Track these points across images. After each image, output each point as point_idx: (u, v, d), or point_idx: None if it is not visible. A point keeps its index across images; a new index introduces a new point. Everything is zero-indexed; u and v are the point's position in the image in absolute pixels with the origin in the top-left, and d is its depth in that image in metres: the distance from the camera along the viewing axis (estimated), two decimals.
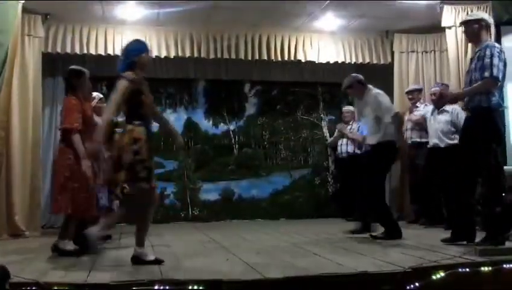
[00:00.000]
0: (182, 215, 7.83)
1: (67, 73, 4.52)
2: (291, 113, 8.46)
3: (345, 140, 7.68)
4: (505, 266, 3.41)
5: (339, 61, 7.72)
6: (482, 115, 4.24)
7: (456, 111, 5.89)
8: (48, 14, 6.60)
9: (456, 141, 5.43)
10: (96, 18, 6.83)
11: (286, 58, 7.56)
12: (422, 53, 7.58)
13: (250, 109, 8.35)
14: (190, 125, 8.10)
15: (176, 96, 8.10)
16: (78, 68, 4.56)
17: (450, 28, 6.57)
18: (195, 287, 3.01)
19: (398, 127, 5.23)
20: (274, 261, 3.82)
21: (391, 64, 7.64)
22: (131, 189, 3.64)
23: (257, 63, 7.76)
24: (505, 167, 4.70)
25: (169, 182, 7.82)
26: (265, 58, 7.52)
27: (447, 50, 6.82)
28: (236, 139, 8.25)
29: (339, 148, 7.83)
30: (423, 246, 4.43)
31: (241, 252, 4.23)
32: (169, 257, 3.98)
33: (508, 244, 4.07)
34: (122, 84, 3.79)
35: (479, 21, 4.45)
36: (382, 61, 7.75)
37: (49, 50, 6.78)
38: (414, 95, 6.82)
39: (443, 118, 6.09)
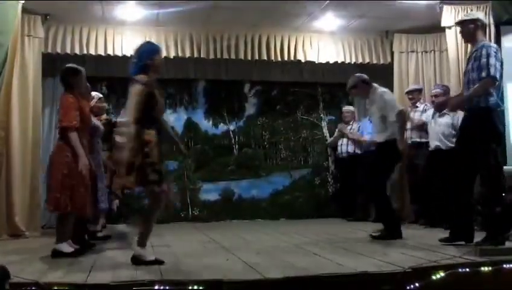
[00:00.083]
0: (182, 215, 7.82)
1: (64, 71, 4.51)
2: (291, 114, 8.45)
3: (345, 140, 7.69)
4: (505, 266, 3.41)
5: (339, 62, 7.73)
6: (480, 115, 4.24)
7: (457, 114, 5.89)
8: (47, 14, 6.60)
9: None
10: (96, 18, 6.83)
11: (286, 58, 7.57)
12: (422, 53, 7.58)
13: (250, 109, 8.34)
14: (190, 126, 8.10)
15: (175, 97, 8.09)
16: (74, 66, 4.56)
17: (449, 28, 6.57)
18: (196, 288, 3.01)
19: (402, 125, 5.22)
20: (274, 261, 3.82)
21: (391, 65, 7.64)
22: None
23: (257, 63, 7.76)
24: (504, 167, 4.70)
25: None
26: (265, 58, 7.52)
27: (446, 50, 6.82)
28: (236, 140, 8.24)
29: (339, 148, 7.84)
30: (423, 246, 4.43)
31: (241, 252, 4.23)
32: (170, 257, 3.98)
33: (508, 244, 4.07)
34: (138, 89, 3.72)
35: (475, 21, 4.45)
36: (382, 61, 7.75)
37: (49, 50, 6.78)
38: (414, 95, 6.82)
39: (444, 120, 6.10)
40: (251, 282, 3.13)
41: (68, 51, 6.86)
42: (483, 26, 4.52)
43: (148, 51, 3.96)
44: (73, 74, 4.47)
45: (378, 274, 3.26)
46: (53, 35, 6.82)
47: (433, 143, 6.19)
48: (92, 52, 6.97)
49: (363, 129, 7.55)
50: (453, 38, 6.55)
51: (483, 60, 4.22)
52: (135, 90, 3.71)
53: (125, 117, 3.73)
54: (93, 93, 5.42)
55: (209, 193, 8.01)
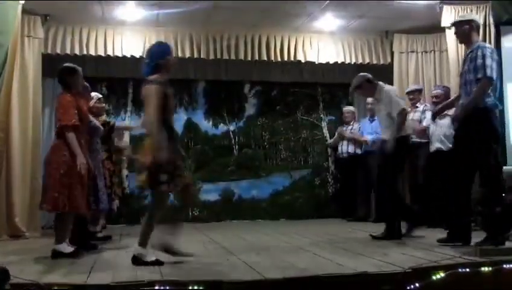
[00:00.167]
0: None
1: (61, 71, 4.49)
2: (291, 114, 8.45)
3: (345, 141, 7.68)
4: (505, 266, 3.41)
5: (339, 62, 7.73)
6: (478, 115, 4.24)
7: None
8: (47, 15, 6.60)
9: None
10: (96, 19, 6.84)
11: (286, 58, 7.57)
12: (422, 53, 7.57)
13: (250, 109, 8.34)
14: (190, 126, 8.09)
15: (175, 97, 8.03)
16: (71, 66, 4.54)
17: (449, 28, 6.57)
18: (196, 288, 3.01)
19: (399, 124, 5.22)
20: (274, 262, 3.82)
21: (391, 65, 7.64)
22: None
23: (257, 63, 7.76)
24: (504, 167, 4.71)
25: None
26: (265, 58, 7.52)
27: (446, 50, 6.82)
28: (236, 140, 8.24)
29: (339, 148, 7.85)
30: (423, 246, 4.43)
31: (241, 253, 4.23)
32: (170, 258, 3.97)
33: (508, 244, 4.07)
34: (155, 89, 3.76)
35: (470, 22, 4.47)
36: (382, 62, 7.75)
37: (49, 51, 6.78)
38: (415, 95, 6.81)
39: (445, 122, 6.10)
40: (251, 282, 3.13)
41: (68, 51, 6.86)
42: (478, 28, 4.55)
43: (159, 51, 3.99)
44: (70, 74, 4.45)
45: (378, 274, 3.26)
46: (53, 35, 6.82)
47: (435, 145, 6.18)
48: (92, 52, 6.97)
49: (363, 129, 7.55)
50: (453, 39, 6.51)
51: (479, 60, 4.22)
52: (152, 90, 3.75)
53: (146, 117, 3.76)
54: (93, 94, 5.42)
55: (209, 193, 8.01)
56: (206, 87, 8.15)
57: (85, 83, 5.00)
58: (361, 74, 5.50)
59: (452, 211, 4.51)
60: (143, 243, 3.81)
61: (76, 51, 6.90)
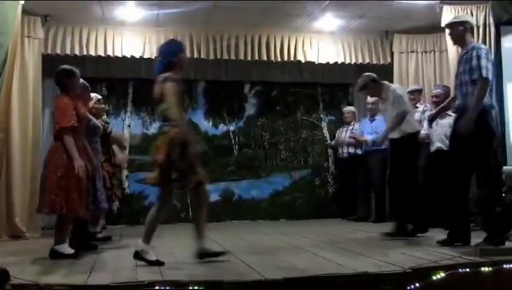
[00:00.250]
0: (182, 216, 7.81)
1: (58, 73, 4.46)
2: (291, 114, 8.45)
3: (345, 140, 7.67)
4: (505, 266, 3.41)
5: (339, 62, 7.73)
6: (477, 115, 4.24)
7: None
8: (47, 15, 6.60)
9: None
10: (96, 19, 6.84)
11: (286, 58, 7.57)
12: (422, 53, 7.58)
13: (250, 109, 8.34)
14: (190, 126, 8.08)
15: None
16: (68, 68, 4.49)
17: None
18: (196, 288, 3.01)
19: (395, 125, 5.22)
20: (274, 262, 3.82)
21: (391, 65, 7.64)
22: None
23: (257, 63, 7.76)
24: (504, 167, 4.71)
25: None
26: (265, 58, 7.53)
27: (446, 50, 6.82)
28: (236, 140, 8.24)
29: (339, 148, 7.84)
30: (423, 246, 4.43)
31: (241, 253, 4.23)
32: (170, 258, 3.98)
33: (508, 244, 4.07)
34: (171, 86, 3.77)
35: (464, 23, 4.49)
36: (382, 62, 7.75)
37: (49, 51, 6.78)
38: (415, 96, 6.79)
39: (446, 121, 6.09)
40: (251, 283, 3.13)
41: (68, 51, 6.86)
42: (472, 29, 4.58)
43: (172, 49, 4.00)
44: (68, 76, 4.41)
45: (378, 274, 3.26)
46: (53, 36, 6.83)
47: (435, 145, 6.18)
48: (92, 53, 6.97)
49: (363, 129, 7.55)
50: None
51: (474, 62, 4.23)
52: (169, 88, 3.75)
53: (165, 106, 3.76)
54: (92, 95, 5.41)
55: (209, 193, 7.99)
56: (206, 88, 8.15)
57: (85, 83, 4.99)
58: (366, 74, 5.47)
59: (452, 211, 4.51)
60: (146, 240, 3.80)
61: (76, 52, 6.91)
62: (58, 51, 6.84)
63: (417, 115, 6.61)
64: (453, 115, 5.94)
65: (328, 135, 8.45)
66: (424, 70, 7.55)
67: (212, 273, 3.38)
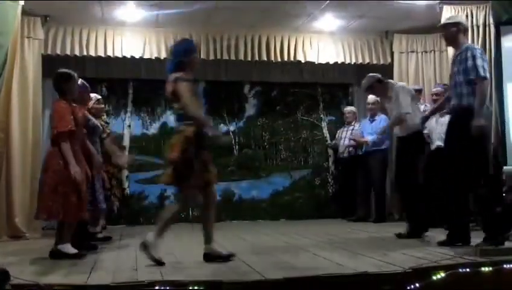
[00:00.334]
0: (182, 216, 7.79)
1: (56, 77, 4.42)
2: (291, 114, 8.45)
3: (346, 140, 7.68)
4: (505, 266, 3.40)
5: (339, 62, 7.73)
6: (468, 116, 4.24)
7: None
8: (47, 16, 6.60)
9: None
10: (96, 20, 6.84)
11: (286, 58, 7.57)
12: (422, 53, 7.58)
13: (250, 109, 8.34)
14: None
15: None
16: (66, 72, 4.44)
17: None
18: (196, 288, 3.01)
19: (391, 125, 5.20)
20: (274, 262, 3.82)
21: (391, 65, 7.64)
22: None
23: (257, 63, 7.76)
24: (504, 167, 4.71)
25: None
26: (265, 59, 7.53)
27: (446, 50, 6.82)
28: (236, 140, 8.24)
29: (340, 148, 7.84)
30: (423, 246, 4.42)
31: (241, 253, 4.23)
32: (170, 258, 3.98)
33: (508, 244, 4.07)
34: (186, 86, 3.80)
35: (457, 24, 4.50)
36: (382, 62, 7.75)
37: (49, 52, 6.79)
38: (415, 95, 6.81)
39: (445, 120, 6.06)
40: (251, 283, 3.13)
41: (68, 52, 6.87)
42: (465, 30, 4.58)
43: (184, 49, 4.00)
44: (65, 80, 4.37)
45: (378, 274, 3.26)
46: (53, 36, 6.83)
47: (435, 143, 6.18)
48: (92, 53, 6.97)
49: (363, 129, 7.55)
50: None
51: (470, 62, 4.24)
52: (183, 88, 3.77)
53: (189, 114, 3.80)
54: (92, 95, 5.40)
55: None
56: (206, 88, 8.14)
57: (85, 83, 4.98)
58: (371, 74, 5.45)
59: (452, 211, 4.51)
60: (158, 235, 3.79)
61: (76, 52, 6.91)
62: (58, 52, 6.84)
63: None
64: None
65: (328, 135, 8.44)
66: (424, 70, 7.55)
67: (212, 274, 3.38)
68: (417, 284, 3.13)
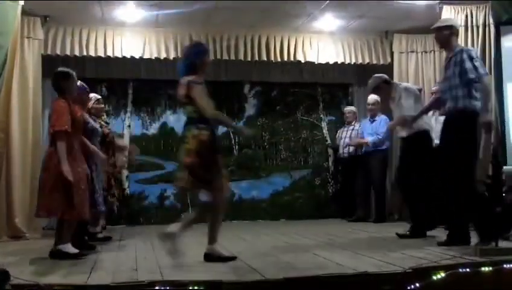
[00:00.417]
0: (183, 216, 7.80)
1: (54, 76, 4.42)
2: (291, 114, 8.45)
3: (346, 140, 7.68)
4: (505, 266, 3.40)
5: (339, 62, 7.73)
6: (466, 118, 4.25)
7: None
8: (47, 16, 6.61)
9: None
10: (96, 20, 6.84)
11: (286, 58, 7.57)
12: (421, 53, 7.58)
13: (250, 109, 8.35)
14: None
15: (176, 98, 8.07)
16: (65, 70, 4.45)
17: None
18: (196, 288, 3.01)
19: (393, 127, 5.19)
20: (274, 262, 3.82)
21: (391, 65, 7.64)
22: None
23: (257, 63, 7.76)
24: (504, 167, 4.70)
25: (169, 183, 7.80)
26: (265, 59, 7.52)
27: None
28: (236, 140, 8.24)
29: (340, 148, 7.84)
30: (423, 246, 4.42)
31: (241, 253, 4.22)
32: (170, 258, 3.97)
33: (508, 244, 4.07)
34: (201, 89, 3.95)
35: (450, 27, 4.52)
36: (382, 62, 7.75)
37: (49, 52, 6.79)
38: None
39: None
40: (251, 283, 3.13)
41: (68, 52, 6.87)
42: (458, 33, 4.60)
43: (196, 51, 4.06)
44: (64, 78, 4.36)
45: (378, 274, 3.26)
46: (53, 36, 6.83)
47: (434, 141, 6.18)
48: (92, 53, 6.97)
49: (363, 130, 7.54)
50: None
51: (468, 63, 4.25)
52: (199, 90, 3.89)
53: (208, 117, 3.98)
54: (91, 95, 5.39)
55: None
56: (206, 88, 8.13)
57: (84, 84, 4.97)
58: (377, 75, 5.45)
59: (452, 211, 4.51)
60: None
61: (76, 52, 6.91)
62: (58, 52, 6.84)
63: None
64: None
65: (328, 135, 8.45)
66: (424, 70, 7.54)
67: (212, 274, 3.38)
68: (417, 284, 3.13)
